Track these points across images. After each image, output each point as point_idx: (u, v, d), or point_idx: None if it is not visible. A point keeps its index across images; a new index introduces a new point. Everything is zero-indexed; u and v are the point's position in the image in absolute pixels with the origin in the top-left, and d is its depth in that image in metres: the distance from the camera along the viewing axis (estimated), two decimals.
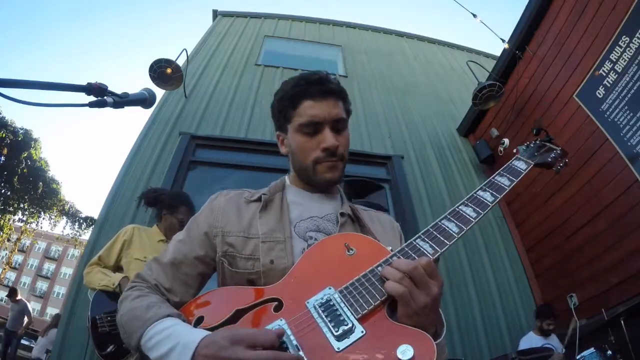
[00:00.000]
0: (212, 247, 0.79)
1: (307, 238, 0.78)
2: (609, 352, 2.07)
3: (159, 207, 2.23)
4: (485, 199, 0.75)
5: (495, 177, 0.82)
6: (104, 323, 1.84)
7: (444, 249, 0.65)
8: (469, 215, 0.72)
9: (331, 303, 0.60)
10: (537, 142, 1.02)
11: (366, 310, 0.58)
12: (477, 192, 0.78)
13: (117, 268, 2.06)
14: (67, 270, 29.44)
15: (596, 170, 2.98)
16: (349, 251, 0.69)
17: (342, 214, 0.83)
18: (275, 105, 0.89)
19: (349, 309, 0.59)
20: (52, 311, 25.47)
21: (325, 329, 0.57)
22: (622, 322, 2.15)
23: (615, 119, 2.84)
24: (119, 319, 0.70)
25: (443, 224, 0.70)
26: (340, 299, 0.61)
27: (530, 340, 2.84)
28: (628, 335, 2.12)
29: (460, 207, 0.74)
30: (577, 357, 2.16)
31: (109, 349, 1.79)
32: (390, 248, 0.69)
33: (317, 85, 0.82)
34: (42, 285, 29.09)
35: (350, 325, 0.56)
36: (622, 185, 2.74)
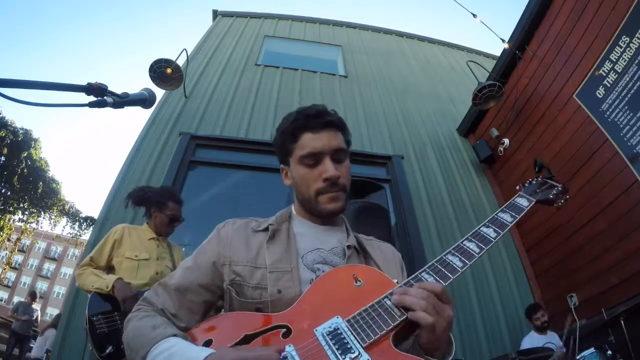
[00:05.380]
0: (219, 276, 0.80)
1: (315, 269, 0.80)
2: (609, 352, 2.07)
3: (147, 205, 2.24)
4: (489, 235, 0.79)
5: (498, 214, 0.87)
6: (102, 324, 1.82)
7: (447, 282, 0.69)
8: (472, 250, 0.76)
9: (339, 331, 0.63)
10: (539, 179, 1.05)
11: (372, 339, 0.60)
12: (481, 229, 0.81)
13: (109, 268, 2.05)
14: (67, 270, 29.43)
15: (596, 170, 2.98)
16: (356, 282, 0.72)
17: (348, 247, 0.85)
18: (277, 139, 0.93)
19: (355, 338, 0.61)
20: (52, 311, 25.45)
21: (332, 356, 0.59)
22: (622, 322, 2.15)
23: (615, 119, 2.83)
24: (124, 337, 0.72)
25: (447, 258, 0.74)
26: (347, 327, 0.63)
27: (532, 339, 2.84)
28: (628, 335, 2.12)
29: (464, 243, 0.78)
30: (577, 357, 2.16)
31: (107, 350, 1.77)
32: (396, 281, 0.73)
33: (316, 118, 0.85)
34: (42, 285, 29.07)
35: (356, 353, 0.58)
36: (622, 185, 2.74)
